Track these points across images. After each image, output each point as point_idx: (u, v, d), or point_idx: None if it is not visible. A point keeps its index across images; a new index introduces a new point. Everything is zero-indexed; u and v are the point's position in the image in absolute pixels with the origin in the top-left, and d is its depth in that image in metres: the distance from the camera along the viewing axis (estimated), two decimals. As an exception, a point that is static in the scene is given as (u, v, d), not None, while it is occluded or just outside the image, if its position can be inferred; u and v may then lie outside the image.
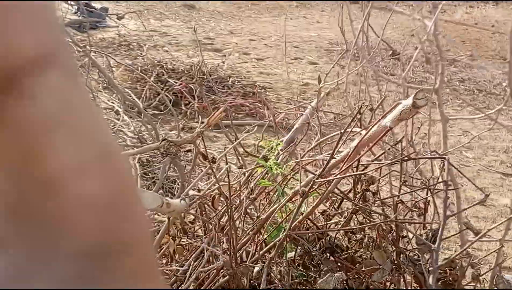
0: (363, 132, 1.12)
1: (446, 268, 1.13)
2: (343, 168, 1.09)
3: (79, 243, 0.21)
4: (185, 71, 5.20)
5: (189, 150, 1.21)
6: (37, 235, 0.21)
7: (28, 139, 0.20)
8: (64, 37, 0.24)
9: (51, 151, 0.21)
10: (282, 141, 1.87)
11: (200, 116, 4.84)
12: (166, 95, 4.64)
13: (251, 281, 1.30)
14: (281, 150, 1.58)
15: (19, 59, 0.20)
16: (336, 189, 1.19)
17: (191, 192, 1.14)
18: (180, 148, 1.17)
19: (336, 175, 1.10)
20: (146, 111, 4.66)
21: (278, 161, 1.63)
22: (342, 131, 1.11)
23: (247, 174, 1.78)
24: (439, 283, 1.15)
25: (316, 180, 1.12)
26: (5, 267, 0.21)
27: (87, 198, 0.21)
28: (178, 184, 2.10)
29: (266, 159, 1.80)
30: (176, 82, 4.69)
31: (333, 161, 1.14)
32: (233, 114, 4.97)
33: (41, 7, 0.22)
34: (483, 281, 1.21)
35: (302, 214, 1.23)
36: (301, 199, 1.14)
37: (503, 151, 4.52)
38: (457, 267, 1.14)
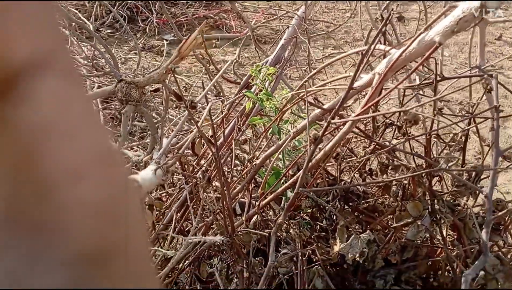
0: (393, 50, 0.82)
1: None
2: (367, 104, 0.81)
3: (75, 248, 0.21)
4: (138, -18, 4.59)
5: (157, 90, 0.90)
6: (32, 239, 0.20)
7: (24, 143, 0.20)
8: (63, 38, 0.23)
9: (47, 155, 0.21)
10: (266, 63, 1.54)
11: (160, 33, 4.38)
12: (119, 12, 4.15)
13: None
14: (269, 74, 1.27)
15: (16, 62, 0.20)
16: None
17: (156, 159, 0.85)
18: (145, 90, 0.84)
19: (359, 114, 0.81)
20: (100, 31, 4.14)
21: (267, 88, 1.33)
22: (365, 49, 0.81)
23: (228, 106, 1.48)
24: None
25: (333, 121, 0.84)
26: None
27: (83, 202, 0.21)
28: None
29: (249, 87, 1.49)
30: (129, -4, 4.15)
31: (351, 92, 0.85)
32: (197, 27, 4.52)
33: (39, 7, 0.21)
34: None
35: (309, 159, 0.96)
36: (312, 146, 0.87)
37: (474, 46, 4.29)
38: (505, 209, 0.93)
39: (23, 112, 0.20)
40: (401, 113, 0.85)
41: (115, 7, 4.06)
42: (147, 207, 0.96)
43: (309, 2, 1.46)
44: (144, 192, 0.82)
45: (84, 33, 3.10)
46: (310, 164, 0.91)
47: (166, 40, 4.27)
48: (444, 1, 1.24)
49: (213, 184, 1.20)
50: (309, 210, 1.11)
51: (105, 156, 0.22)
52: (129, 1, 4.38)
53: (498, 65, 3.46)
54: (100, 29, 4.21)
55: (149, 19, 4.37)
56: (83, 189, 0.21)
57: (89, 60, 2.63)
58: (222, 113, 1.38)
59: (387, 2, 1.19)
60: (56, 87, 0.21)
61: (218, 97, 1.73)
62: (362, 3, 1.78)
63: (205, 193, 1.14)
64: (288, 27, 1.54)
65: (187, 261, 1.25)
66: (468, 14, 0.66)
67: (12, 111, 0.20)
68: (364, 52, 0.81)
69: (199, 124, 0.91)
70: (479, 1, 0.63)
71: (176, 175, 1.33)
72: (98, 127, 0.23)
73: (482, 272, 0.84)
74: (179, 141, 1.11)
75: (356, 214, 1.05)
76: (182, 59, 0.84)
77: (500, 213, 0.88)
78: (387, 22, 0.80)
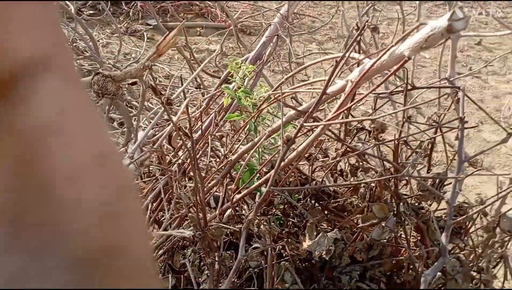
0: (367, 60, 0.85)
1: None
2: (339, 109, 0.84)
3: (75, 248, 0.21)
4: (123, -36, 4.50)
5: (134, 83, 0.91)
6: (32, 240, 0.20)
7: (23, 144, 0.20)
8: (64, 38, 0.23)
9: (46, 156, 0.20)
10: (247, 60, 1.56)
11: (143, 17, 4.32)
12: (103, -7, 4.06)
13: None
14: (248, 72, 1.29)
15: (16, 62, 0.20)
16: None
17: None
18: (121, 84, 0.85)
19: (330, 118, 0.84)
20: (82, 12, 4.06)
21: (245, 85, 1.35)
22: (340, 56, 0.84)
23: (207, 100, 1.49)
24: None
25: (305, 124, 0.87)
26: None
27: (83, 203, 0.21)
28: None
29: (228, 82, 1.51)
30: (113, -22, 4.07)
31: (324, 97, 0.88)
32: (182, 14, 4.48)
33: (39, 7, 0.21)
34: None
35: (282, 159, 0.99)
36: (285, 146, 0.90)
37: (459, 50, 4.35)
38: (466, 214, 0.98)
39: (23, 112, 0.20)
40: (371, 120, 0.88)
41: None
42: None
43: (292, 1, 1.48)
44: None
45: (64, 14, 3.04)
46: (282, 163, 0.94)
47: (150, 25, 4.23)
48: (417, 17, 1.28)
49: (188, 177, 1.22)
50: (281, 207, 1.14)
51: (105, 156, 0.22)
52: (113, -18, 4.29)
53: (476, 70, 3.54)
54: (82, 10, 4.13)
55: (133, 2, 4.31)
56: (83, 190, 0.21)
57: (69, 43, 2.59)
58: (201, 107, 1.39)
59: (366, 9, 1.21)
60: (56, 87, 0.21)
61: (198, 89, 1.74)
62: (344, 7, 1.81)
63: (180, 186, 1.16)
64: (270, 25, 1.55)
65: (160, 251, 1.27)
66: (436, 33, 0.69)
67: (12, 111, 0.20)
68: (338, 59, 0.84)
69: (176, 118, 0.93)
70: (447, 22, 0.67)
71: (152, 166, 1.34)
72: (98, 127, 0.23)
73: (439, 273, 0.89)
74: (156, 133, 1.12)
75: (325, 213, 1.09)
76: (160, 56, 0.85)
77: (460, 218, 0.93)
78: (362, 32, 0.83)
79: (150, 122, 1.21)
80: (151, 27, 4.30)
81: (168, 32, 0.84)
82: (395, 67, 0.76)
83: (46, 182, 0.20)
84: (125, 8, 4.42)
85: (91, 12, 4.27)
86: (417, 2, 1.31)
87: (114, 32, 4.04)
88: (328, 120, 0.84)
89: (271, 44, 1.55)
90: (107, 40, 3.89)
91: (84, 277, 0.21)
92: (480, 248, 0.99)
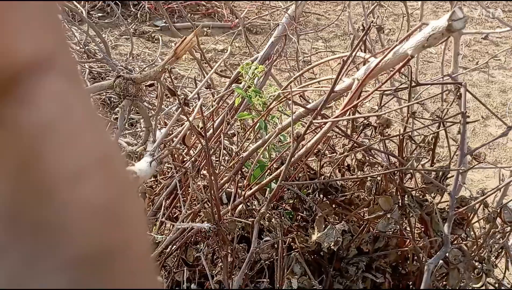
0: (372, 59, 0.90)
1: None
2: (346, 107, 0.88)
3: (76, 249, 0.21)
4: (130, -34, 4.56)
5: (152, 85, 0.96)
6: (33, 241, 0.21)
7: (25, 144, 0.20)
8: (65, 38, 0.23)
9: (48, 156, 0.21)
10: (256, 59, 1.61)
11: (151, 19, 4.38)
12: (111, -5, 4.13)
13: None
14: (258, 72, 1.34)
15: (17, 62, 0.20)
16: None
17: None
18: (141, 86, 0.91)
19: (338, 115, 0.89)
20: (91, 15, 4.13)
21: (255, 84, 1.39)
22: (346, 55, 0.89)
23: (218, 100, 1.54)
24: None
25: (314, 121, 0.92)
26: None
27: (84, 203, 0.21)
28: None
29: (238, 81, 1.56)
30: (121, -20, 4.12)
31: (332, 94, 0.93)
32: (188, 15, 4.53)
33: (41, 6, 0.21)
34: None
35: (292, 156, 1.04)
36: (295, 143, 0.95)
37: (466, 45, 4.36)
38: (467, 205, 1.02)
39: (25, 113, 0.20)
40: (376, 116, 0.93)
41: (108, -11, 4.04)
42: (140, 194, 1.03)
43: (299, 2, 1.53)
44: (141, 182, 0.89)
45: (75, 16, 3.11)
46: (292, 159, 0.98)
47: (157, 26, 4.29)
48: (420, 16, 1.32)
49: (202, 174, 1.27)
50: (291, 201, 1.19)
51: (106, 157, 0.22)
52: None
53: (482, 64, 3.55)
54: (90, 12, 4.20)
55: (141, 4, 4.37)
56: (84, 191, 0.21)
57: (81, 46, 2.65)
58: (212, 106, 1.44)
59: (371, 8, 1.26)
60: (58, 88, 0.21)
61: (208, 89, 1.79)
62: (350, 3, 1.85)
63: (194, 182, 1.22)
64: (278, 25, 1.60)
65: (174, 246, 1.32)
66: (436, 32, 0.74)
67: (14, 112, 0.20)
68: (345, 59, 0.88)
69: (192, 117, 0.98)
70: (447, 22, 0.71)
71: (166, 165, 1.39)
72: (99, 128, 0.23)
73: (441, 262, 0.93)
74: (170, 133, 1.17)
75: (333, 206, 1.14)
76: (178, 59, 0.90)
77: (462, 209, 0.97)
78: (367, 32, 0.88)
79: (165, 121, 1.27)
80: (159, 28, 4.36)
81: (185, 37, 0.89)
82: (399, 65, 0.81)
83: (48, 183, 0.20)
84: (133, 10, 4.48)
85: (99, 14, 4.34)
86: (420, 2, 1.35)
87: (122, 34, 4.11)
88: (336, 117, 0.89)
89: (279, 44, 1.60)
90: (115, 42, 3.96)
91: (85, 277, 0.21)
92: (481, 238, 1.04)
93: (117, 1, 4.14)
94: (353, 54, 0.90)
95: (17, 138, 0.20)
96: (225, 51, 4.01)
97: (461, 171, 0.94)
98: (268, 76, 1.63)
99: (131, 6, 4.43)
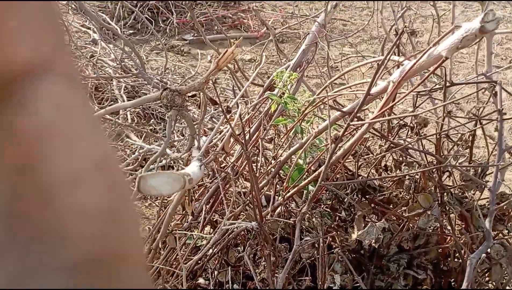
0: (406, 62, 0.93)
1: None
2: (383, 108, 0.92)
3: (74, 252, 0.21)
4: (159, -16, 4.73)
5: (194, 96, 1.03)
6: (31, 244, 0.21)
7: (23, 148, 0.20)
8: (64, 40, 0.22)
9: (46, 160, 0.20)
10: (289, 67, 1.66)
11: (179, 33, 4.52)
12: (141, 12, 4.29)
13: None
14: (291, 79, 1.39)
15: (15, 66, 0.20)
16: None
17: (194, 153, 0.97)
18: (186, 97, 0.97)
19: (374, 117, 0.93)
20: (122, 32, 4.30)
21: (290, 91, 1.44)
22: (381, 58, 0.92)
23: (252, 106, 1.60)
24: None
25: (352, 123, 0.96)
26: None
27: (82, 207, 0.21)
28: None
29: (271, 89, 1.61)
30: (151, -3, 4.28)
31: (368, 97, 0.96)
32: (215, 27, 4.64)
33: (40, 8, 0.20)
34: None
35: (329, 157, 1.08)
36: (333, 145, 0.99)
37: (498, 43, 4.28)
38: (508, 200, 1.03)
39: (23, 116, 0.20)
40: (413, 117, 0.96)
41: (137, 8, 4.21)
42: (188, 200, 1.09)
43: (329, 8, 1.57)
44: (194, 184, 0.95)
45: (109, 34, 3.25)
46: (331, 160, 1.02)
47: (186, 40, 4.42)
48: (452, 18, 1.33)
49: (241, 178, 1.33)
50: (328, 202, 1.23)
51: (104, 161, 0.22)
52: (150, 2, 4.52)
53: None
54: (122, 30, 4.37)
55: (169, 19, 4.51)
56: (82, 194, 0.21)
57: (118, 62, 2.77)
58: (247, 114, 1.50)
59: (401, 12, 1.29)
60: (57, 91, 0.21)
61: (242, 98, 1.85)
62: (378, 7, 1.88)
63: (234, 186, 1.27)
64: (308, 33, 1.65)
65: (216, 248, 1.38)
66: (469, 34, 0.77)
67: (12, 115, 0.20)
68: (380, 62, 0.92)
69: (233, 123, 1.04)
70: (479, 24, 0.74)
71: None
72: (97, 131, 0.23)
73: (483, 256, 0.95)
74: (211, 140, 1.24)
75: (372, 206, 1.17)
76: (220, 70, 0.96)
77: (502, 204, 0.99)
78: (401, 36, 0.92)
79: (203, 129, 1.32)
80: (187, 42, 4.49)
81: (226, 49, 0.95)
82: (433, 67, 0.84)
83: (46, 186, 0.20)
84: (162, 26, 4.63)
85: (130, 31, 4.51)
86: (451, 4, 1.37)
87: (153, 49, 4.26)
88: (373, 118, 0.92)
89: (310, 52, 1.65)
90: (147, 57, 4.11)
91: (82, 280, 0.22)
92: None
93: (146, 17, 4.29)
94: (388, 57, 0.94)
95: (15, 142, 0.20)
96: (253, 61, 4.08)
97: (500, 166, 0.96)
98: (300, 83, 1.68)
99: (160, 22, 4.58)
